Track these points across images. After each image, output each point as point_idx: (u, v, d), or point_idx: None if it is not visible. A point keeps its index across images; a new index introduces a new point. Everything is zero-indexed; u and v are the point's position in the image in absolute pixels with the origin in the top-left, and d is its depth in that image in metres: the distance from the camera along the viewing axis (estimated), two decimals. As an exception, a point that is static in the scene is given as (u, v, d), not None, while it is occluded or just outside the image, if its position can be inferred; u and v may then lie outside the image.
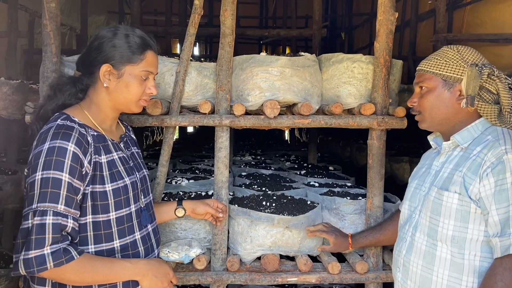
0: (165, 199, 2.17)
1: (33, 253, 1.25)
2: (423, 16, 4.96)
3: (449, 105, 1.47)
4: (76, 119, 1.43)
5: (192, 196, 2.25)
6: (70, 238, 1.33)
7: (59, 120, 1.41)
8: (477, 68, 1.42)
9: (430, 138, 1.65)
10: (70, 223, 1.32)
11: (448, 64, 1.46)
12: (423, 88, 1.53)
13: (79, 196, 1.36)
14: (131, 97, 1.50)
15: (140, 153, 1.71)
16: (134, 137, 1.74)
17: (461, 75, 1.45)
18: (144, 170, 1.66)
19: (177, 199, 1.89)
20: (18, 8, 3.95)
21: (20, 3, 4.06)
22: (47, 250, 1.26)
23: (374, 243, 1.97)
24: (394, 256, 1.62)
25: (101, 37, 1.48)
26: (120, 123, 1.67)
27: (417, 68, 1.57)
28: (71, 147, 1.34)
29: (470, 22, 3.96)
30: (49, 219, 1.28)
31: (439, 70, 1.48)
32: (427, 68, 1.51)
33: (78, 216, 1.36)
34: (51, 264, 1.26)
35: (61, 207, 1.30)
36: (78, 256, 1.31)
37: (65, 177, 1.31)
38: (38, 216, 1.27)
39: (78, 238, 1.37)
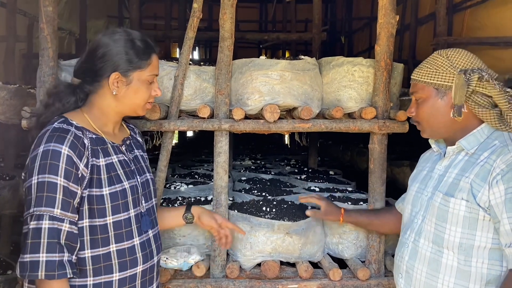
0: (163, 204, 2.14)
1: (28, 257, 1.26)
2: (423, 19, 4.95)
3: (445, 113, 1.44)
4: (73, 122, 1.43)
5: (192, 201, 2.22)
6: (69, 250, 1.31)
7: (55, 123, 1.41)
8: (465, 75, 1.37)
9: (431, 141, 1.62)
10: (66, 227, 1.31)
11: (438, 72, 1.43)
12: (418, 98, 1.51)
13: (77, 200, 1.35)
14: (139, 102, 1.52)
15: (146, 157, 1.68)
16: (141, 140, 1.72)
17: (451, 82, 1.41)
18: (148, 174, 1.63)
19: (185, 204, 1.85)
20: (16, 12, 3.94)
21: (19, 8, 4.05)
22: (42, 257, 1.25)
23: (366, 224, 1.92)
24: (395, 262, 1.59)
25: (105, 45, 1.46)
26: (124, 126, 1.66)
27: (411, 77, 1.55)
28: (64, 150, 1.33)
29: (470, 26, 3.96)
30: (45, 224, 1.28)
31: (430, 79, 1.44)
32: (418, 77, 1.49)
33: (76, 219, 1.35)
34: (43, 273, 1.25)
35: (57, 211, 1.29)
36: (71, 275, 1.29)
37: (60, 180, 1.31)
38: (35, 220, 1.28)
39: (78, 243, 1.35)
